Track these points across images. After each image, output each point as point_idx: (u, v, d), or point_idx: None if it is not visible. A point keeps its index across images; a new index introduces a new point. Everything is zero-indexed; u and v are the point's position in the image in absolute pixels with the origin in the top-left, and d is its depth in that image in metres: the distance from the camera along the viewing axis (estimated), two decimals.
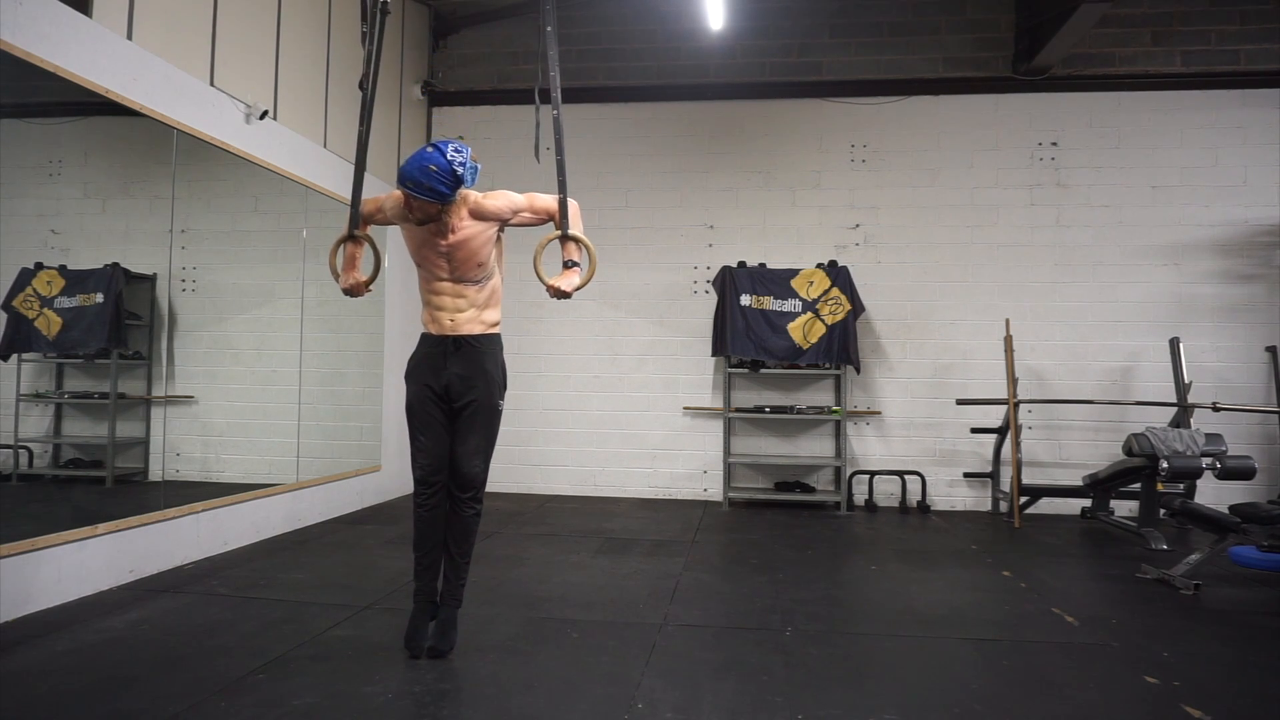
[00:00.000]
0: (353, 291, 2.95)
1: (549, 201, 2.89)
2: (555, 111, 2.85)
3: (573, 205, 2.89)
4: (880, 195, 6.66)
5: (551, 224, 2.91)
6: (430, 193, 2.63)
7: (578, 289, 2.87)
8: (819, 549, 4.85)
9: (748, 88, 6.83)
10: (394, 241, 5.81)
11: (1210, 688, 2.66)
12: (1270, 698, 2.63)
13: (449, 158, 2.64)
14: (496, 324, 2.95)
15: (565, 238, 2.86)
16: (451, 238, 2.77)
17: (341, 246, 2.98)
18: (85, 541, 3.48)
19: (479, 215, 2.78)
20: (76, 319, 3.77)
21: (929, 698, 2.55)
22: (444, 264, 2.81)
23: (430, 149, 2.66)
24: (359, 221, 2.95)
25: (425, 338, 2.92)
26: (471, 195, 2.80)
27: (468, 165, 2.68)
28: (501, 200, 2.82)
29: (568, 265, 2.86)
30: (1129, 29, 6.40)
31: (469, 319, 2.85)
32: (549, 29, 2.86)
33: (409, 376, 2.91)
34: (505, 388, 2.96)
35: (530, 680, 2.62)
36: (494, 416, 2.89)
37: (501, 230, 2.88)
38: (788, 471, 6.64)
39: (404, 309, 6.46)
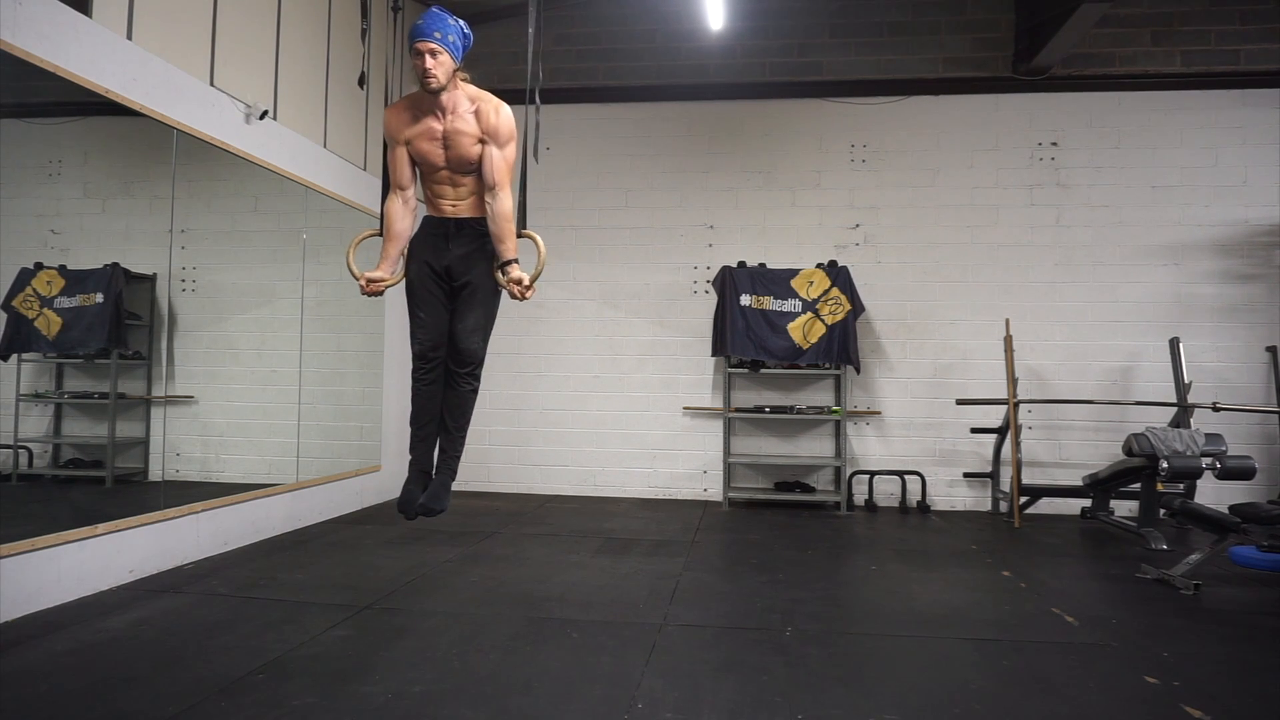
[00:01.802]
0: (373, 289, 2.93)
1: (501, 179, 2.82)
2: (528, 109, 2.92)
3: (509, 202, 2.87)
4: (880, 195, 6.66)
5: (502, 225, 2.87)
6: (450, 44, 2.67)
7: (534, 279, 2.83)
8: (819, 549, 4.85)
9: (748, 88, 6.83)
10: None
11: (1210, 688, 2.66)
12: (1270, 698, 2.63)
13: (457, 18, 2.76)
14: None
15: (512, 261, 2.85)
16: (448, 121, 2.79)
17: (355, 246, 3.00)
18: (85, 541, 3.48)
19: (479, 114, 2.80)
20: (76, 319, 3.77)
21: (929, 698, 2.55)
22: (440, 152, 2.83)
23: (437, 9, 2.74)
24: (406, 178, 2.91)
25: (428, 220, 2.97)
26: (478, 90, 2.83)
27: (470, 35, 2.80)
28: (499, 116, 2.81)
29: (507, 263, 2.84)
30: (1129, 29, 6.40)
31: (471, 205, 2.90)
32: (531, 30, 2.91)
33: (410, 255, 2.95)
34: None
35: (530, 680, 2.62)
36: (492, 296, 2.93)
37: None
38: (788, 471, 6.64)
39: (404, 309, 6.44)
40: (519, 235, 2.90)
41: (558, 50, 6.85)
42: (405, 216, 3.00)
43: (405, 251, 3.02)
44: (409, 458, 2.98)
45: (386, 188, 2.99)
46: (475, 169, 2.86)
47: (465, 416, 2.96)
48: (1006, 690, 2.63)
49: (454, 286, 2.90)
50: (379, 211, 3.07)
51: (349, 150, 5.76)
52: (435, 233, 2.92)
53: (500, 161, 2.85)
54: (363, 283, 2.93)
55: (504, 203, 2.84)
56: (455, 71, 2.77)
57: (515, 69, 7.07)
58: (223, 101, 4.40)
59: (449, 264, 2.88)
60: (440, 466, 2.96)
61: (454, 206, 2.90)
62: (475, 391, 2.96)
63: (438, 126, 2.80)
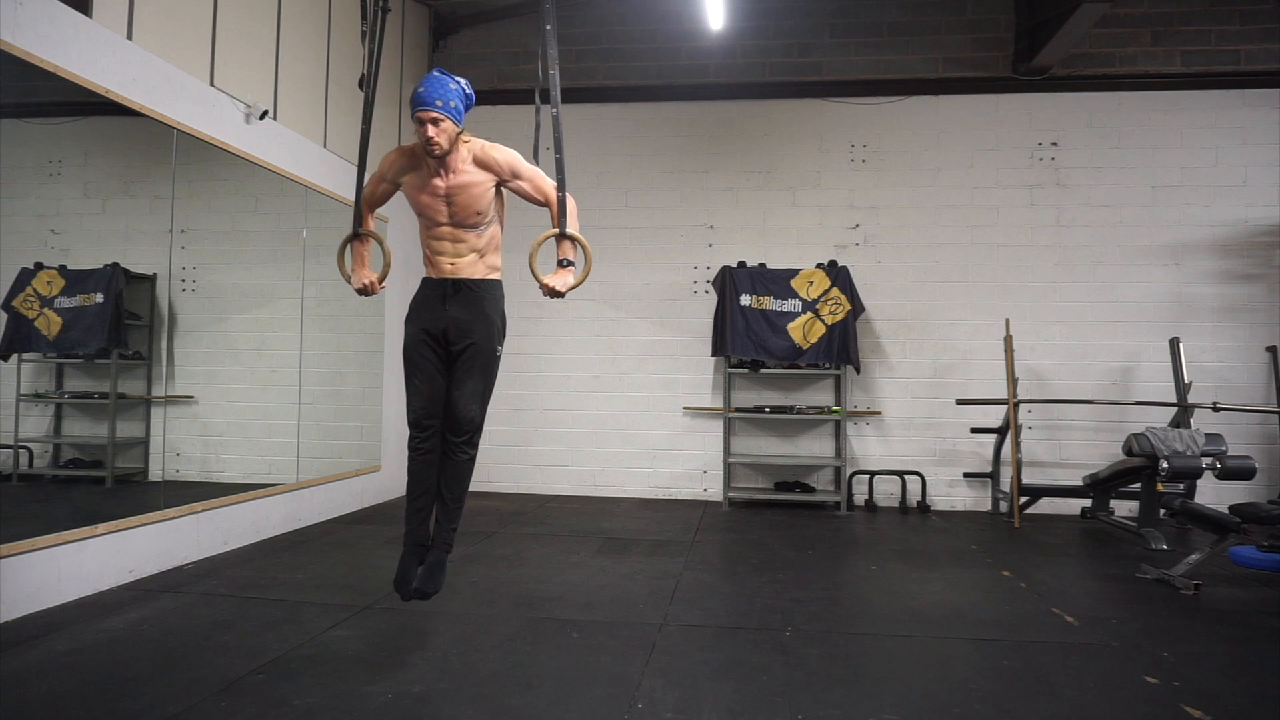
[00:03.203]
0: (366, 291, 2.93)
1: (549, 188, 2.86)
2: (555, 110, 2.84)
3: (571, 203, 2.88)
4: (880, 195, 6.66)
5: (549, 221, 2.90)
6: (453, 109, 2.66)
7: (572, 288, 2.84)
8: (819, 549, 4.85)
9: (748, 88, 6.83)
10: (394, 240, 5.80)
11: (1210, 688, 2.66)
12: (1270, 698, 2.63)
13: (459, 80, 2.73)
14: (498, 269, 2.92)
15: (562, 236, 2.84)
16: (452, 179, 2.75)
17: (349, 247, 2.98)
18: (85, 541, 3.48)
19: (482, 163, 2.77)
20: (76, 319, 3.77)
21: (929, 698, 2.55)
22: (443, 208, 2.79)
23: (439, 73, 2.71)
24: (363, 218, 2.95)
25: (425, 281, 2.90)
26: (477, 141, 2.80)
27: (472, 95, 2.79)
28: (509, 156, 2.81)
29: (562, 264, 2.83)
30: (1129, 29, 6.40)
31: (469, 263, 2.84)
32: (549, 28, 2.84)
33: (408, 319, 2.89)
34: (505, 334, 2.94)
35: (530, 680, 2.62)
36: (492, 361, 2.85)
37: (499, 191, 2.86)
38: (788, 471, 6.64)
39: (404, 309, 6.42)
40: (561, 235, 2.83)
41: (558, 50, 6.83)
42: (364, 247, 2.98)
43: (386, 256, 2.99)
44: (404, 530, 2.87)
45: (358, 198, 2.96)
46: (479, 223, 2.82)
47: (462, 487, 2.87)
48: (1006, 690, 2.63)
49: (452, 351, 2.83)
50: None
51: (349, 150, 5.76)
52: (432, 294, 2.85)
53: (540, 181, 2.85)
54: (355, 285, 2.92)
55: (568, 202, 2.84)
56: (458, 135, 2.74)
57: (515, 69, 7.09)
58: (223, 101, 4.40)
59: (446, 327, 2.81)
60: (437, 541, 2.85)
61: (452, 265, 2.83)
62: (472, 461, 2.88)
63: (440, 184, 2.76)
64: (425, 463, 2.82)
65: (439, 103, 2.64)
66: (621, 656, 2.86)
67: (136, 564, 3.77)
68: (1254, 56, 6.29)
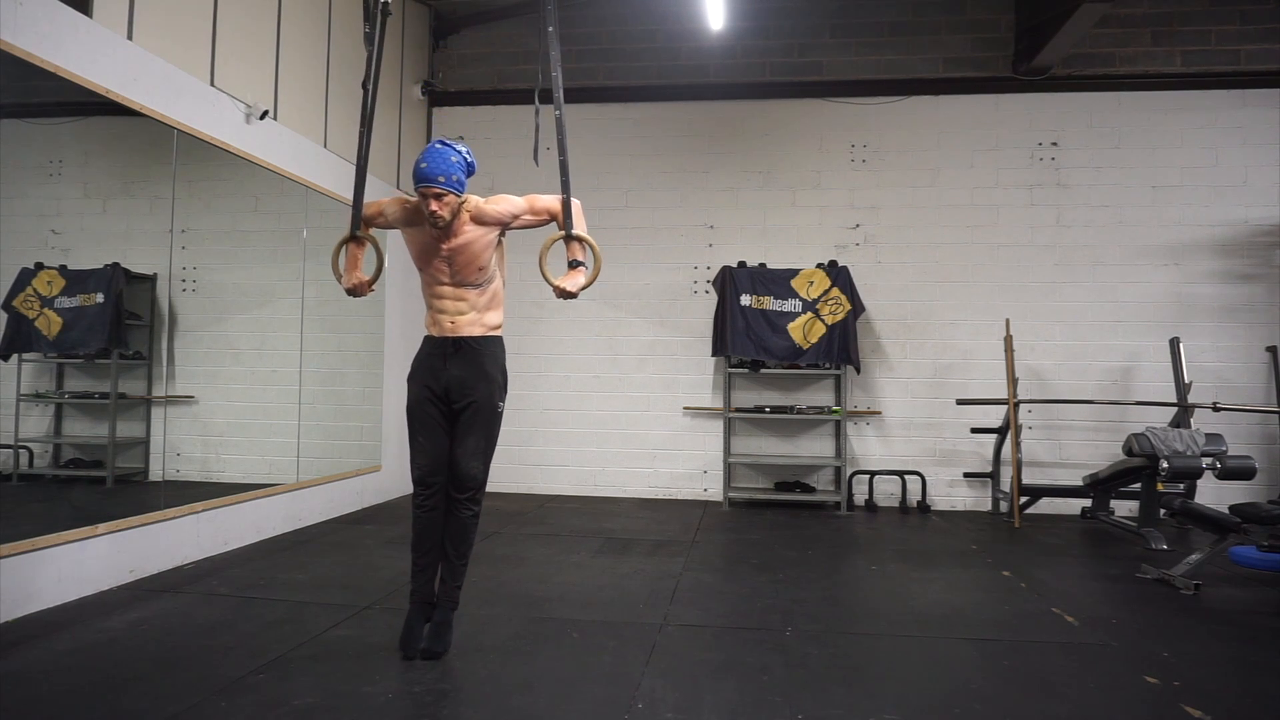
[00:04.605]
0: (356, 291, 2.95)
1: (549, 202, 2.89)
2: (558, 111, 2.85)
3: (575, 205, 2.89)
4: (880, 195, 6.66)
5: (555, 224, 2.91)
6: (455, 183, 2.67)
7: (583, 289, 2.87)
8: (819, 549, 4.85)
9: (748, 88, 6.83)
10: (395, 241, 5.80)
11: (1210, 688, 2.66)
12: (1270, 698, 2.63)
13: (460, 150, 2.74)
14: (498, 326, 2.95)
15: (569, 238, 2.86)
16: (453, 241, 2.77)
17: (344, 248, 2.99)
18: (85, 541, 3.48)
19: (479, 220, 2.79)
20: (77, 319, 3.77)
21: (929, 698, 2.55)
22: (445, 268, 2.82)
23: (440, 145, 2.71)
24: (360, 223, 2.96)
25: (427, 340, 2.94)
26: (472, 199, 2.81)
27: (474, 163, 2.80)
28: (502, 205, 2.82)
29: (573, 265, 2.86)
30: (1129, 29, 6.40)
31: (469, 321, 2.86)
32: (550, 29, 2.85)
33: (410, 378, 2.92)
34: (506, 390, 2.96)
35: (530, 680, 2.62)
36: (494, 418, 2.89)
37: (503, 235, 2.89)
38: (788, 471, 6.64)
39: (404, 309, 6.47)
40: (569, 236, 2.85)
41: (559, 50, 6.84)
42: (358, 249, 3.00)
43: (379, 258, 3.01)
44: (410, 587, 2.90)
45: (384, 190, 2.98)
46: (480, 281, 2.84)
47: (467, 544, 2.89)
48: (1006, 690, 2.63)
49: (454, 409, 2.85)
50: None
51: (349, 150, 5.75)
52: (433, 352, 2.87)
53: (536, 203, 2.86)
54: (346, 285, 2.94)
55: (573, 204, 2.87)
56: (461, 204, 2.75)
57: (515, 69, 7.09)
58: (223, 101, 4.40)
59: (448, 385, 2.83)
60: (442, 599, 2.88)
61: (453, 323, 2.84)
62: (477, 517, 2.90)
63: (444, 246, 2.78)
64: (430, 520, 2.85)
65: (441, 179, 2.65)
66: (621, 656, 2.86)
67: (136, 564, 3.77)
68: (1254, 56, 6.29)
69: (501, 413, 2.92)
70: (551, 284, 2.87)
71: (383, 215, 2.94)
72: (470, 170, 2.77)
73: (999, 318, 6.30)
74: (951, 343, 6.53)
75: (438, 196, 2.66)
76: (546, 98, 2.94)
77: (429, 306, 2.91)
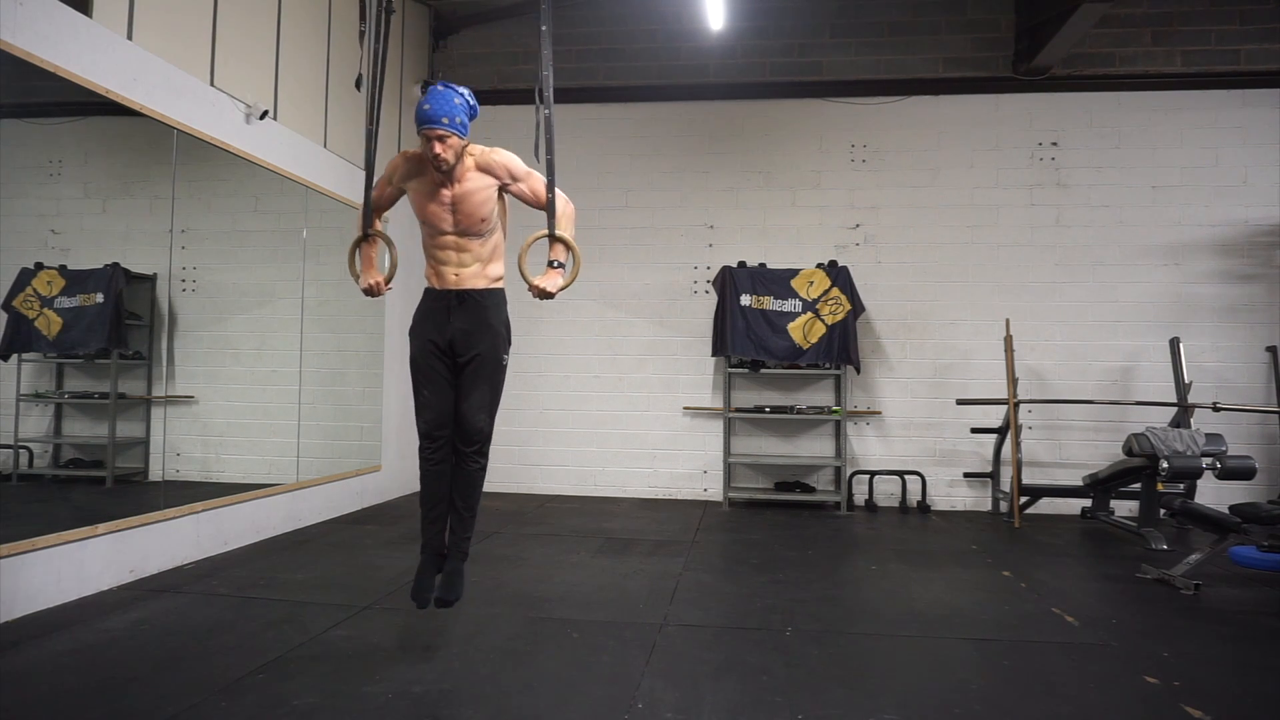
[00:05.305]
0: (372, 291, 2.95)
1: (542, 190, 2.88)
2: (546, 111, 2.86)
3: (569, 207, 2.90)
4: (880, 195, 6.66)
5: (560, 223, 2.90)
6: (459, 125, 2.67)
7: (561, 289, 2.87)
8: (819, 549, 4.85)
9: (748, 88, 6.83)
10: (394, 237, 5.79)
11: (1210, 688, 2.66)
12: (1270, 698, 2.64)
13: (462, 92, 2.74)
14: (500, 278, 2.95)
15: (552, 239, 2.86)
16: (456, 188, 2.77)
17: (357, 249, 3.00)
18: (85, 541, 3.48)
19: (485, 168, 2.80)
20: (76, 319, 3.77)
21: (929, 698, 2.55)
22: (448, 217, 2.81)
23: (443, 87, 2.71)
24: (371, 219, 2.97)
25: (429, 292, 2.92)
26: (477, 148, 2.82)
27: (476, 106, 2.80)
28: (508, 160, 2.83)
29: (552, 265, 2.86)
30: (1129, 29, 6.40)
31: (473, 273, 2.86)
32: (544, 28, 2.87)
33: (412, 332, 2.91)
34: (510, 342, 2.97)
35: (530, 680, 2.62)
36: (499, 371, 2.89)
37: (502, 192, 2.89)
38: (788, 471, 6.64)
39: (404, 309, 6.45)
40: (553, 236, 2.86)
41: (558, 50, 6.75)
42: (372, 248, 3.01)
43: (392, 258, 3.01)
44: (421, 541, 2.91)
45: (367, 199, 2.97)
46: (483, 231, 2.84)
47: (475, 496, 2.90)
48: (1006, 690, 2.63)
49: (458, 362, 2.85)
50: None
51: (349, 150, 5.76)
52: (436, 306, 2.87)
53: (535, 182, 2.87)
54: (362, 286, 2.94)
55: (562, 204, 2.88)
56: (464, 148, 2.76)
57: (515, 69, 7.09)
58: (223, 101, 4.40)
59: (452, 338, 2.83)
60: (453, 550, 2.90)
61: (457, 275, 2.84)
62: (483, 470, 2.90)
63: (446, 193, 2.78)
64: (438, 473, 2.85)
65: (445, 120, 2.65)
66: (621, 656, 2.86)
67: (136, 564, 3.77)
68: (1254, 56, 6.29)
69: (506, 365, 2.92)
70: (529, 282, 2.86)
71: (389, 185, 2.93)
72: (473, 113, 2.76)
73: (999, 318, 6.30)
74: (951, 343, 6.53)
75: (441, 139, 2.66)
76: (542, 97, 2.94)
77: (430, 258, 2.89)
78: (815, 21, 6.77)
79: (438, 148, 2.67)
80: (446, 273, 2.85)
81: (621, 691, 2.54)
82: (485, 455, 2.90)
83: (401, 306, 6.42)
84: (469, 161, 2.78)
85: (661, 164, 6.90)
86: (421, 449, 2.86)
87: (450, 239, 2.83)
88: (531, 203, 2.91)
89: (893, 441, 6.55)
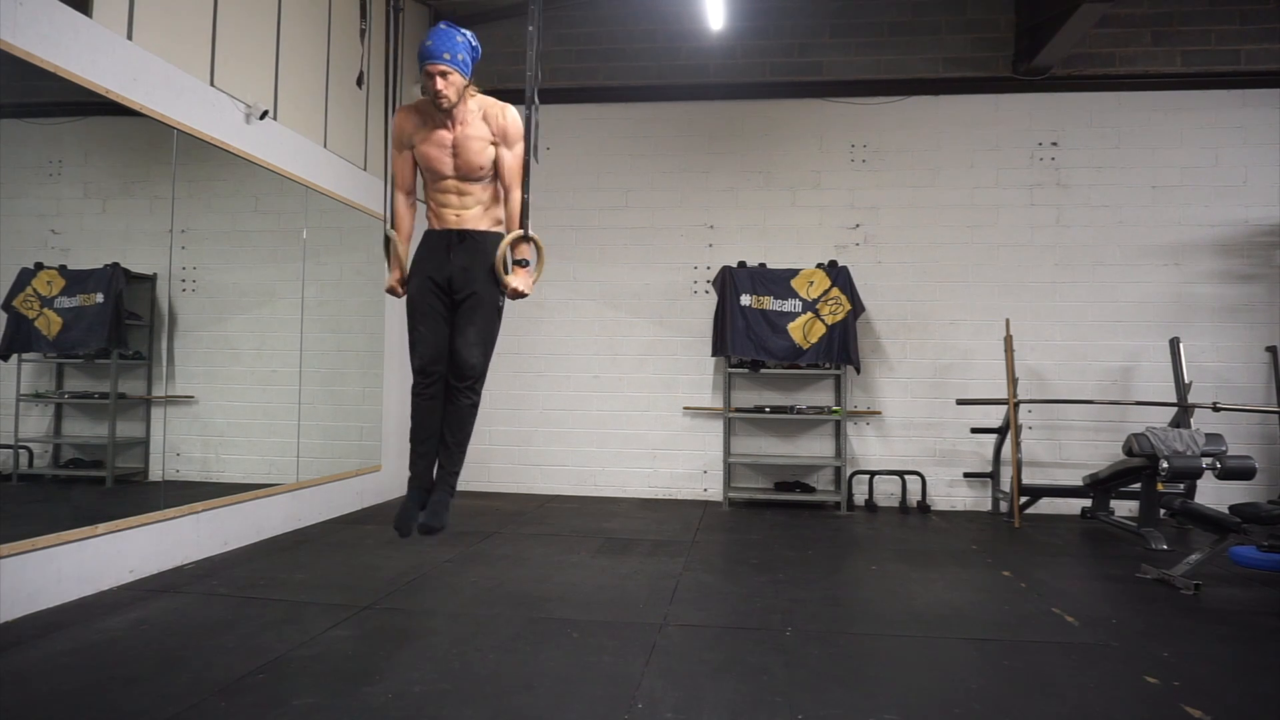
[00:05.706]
0: (393, 292, 3.00)
1: (518, 172, 2.88)
2: (529, 109, 2.89)
3: (539, 247, 2.92)
4: (880, 195, 6.66)
5: (516, 223, 2.92)
6: (460, 63, 2.69)
7: (530, 287, 2.90)
8: (819, 549, 4.85)
9: (748, 88, 6.82)
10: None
11: (1210, 688, 2.66)
12: (1270, 698, 2.64)
13: (465, 33, 2.76)
14: (501, 222, 2.96)
15: (525, 239, 2.87)
16: (458, 130, 2.80)
17: (390, 246, 3.01)
18: (85, 541, 3.48)
19: (487, 117, 2.82)
20: (76, 319, 3.77)
21: (929, 698, 2.55)
22: (448, 160, 2.82)
23: (445, 26, 2.73)
24: (398, 210, 2.99)
25: (429, 234, 2.93)
26: (486, 98, 2.85)
27: (478, 48, 2.82)
28: (510, 120, 2.85)
29: (520, 264, 2.88)
30: (1129, 29, 6.40)
31: (475, 215, 2.88)
32: (531, 28, 2.90)
33: (412, 271, 2.93)
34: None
35: (530, 680, 2.62)
36: (494, 312, 2.90)
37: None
38: (788, 471, 6.64)
39: (404, 310, 6.45)
40: (525, 237, 2.88)
41: (558, 50, 6.86)
42: (409, 215, 3.03)
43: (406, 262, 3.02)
44: (408, 474, 2.93)
45: (388, 188, 3.00)
46: (483, 176, 2.86)
47: (465, 432, 2.91)
48: (1006, 690, 2.63)
49: (455, 299, 2.87)
50: (380, 211, 3.08)
51: (349, 150, 5.76)
52: (437, 245, 2.89)
53: (513, 161, 2.88)
54: (385, 286, 3.01)
55: (514, 203, 2.90)
56: (466, 87, 2.77)
57: (515, 69, 7.07)
58: (223, 101, 4.40)
59: (451, 275, 2.85)
60: (439, 483, 2.91)
61: (458, 216, 2.87)
62: (475, 406, 2.92)
63: (447, 135, 2.80)
64: (429, 408, 2.87)
65: (446, 55, 2.67)
66: (621, 656, 2.86)
67: (136, 564, 3.77)
68: (1254, 56, 6.29)
69: (502, 308, 2.93)
70: (504, 283, 2.87)
71: (404, 149, 2.91)
72: (475, 54, 2.77)
73: (999, 318, 6.30)
74: (951, 343, 6.53)
75: (443, 75, 2.68)
76: (543, 97, 2.96)
77: (432, 202, 2.91)
78: (815, 21, 6.77)
79: (439, 83, 2.68)
80: (447, 214, 2.88)
81: (621, 691, 2.54)
82: (478, 392, 2.91)
83: (402, 307, 6.41)
84: (472, 104, 2.81)
85: (661, 164, 6.90)
86: (414, 384, 2.88)
87: (451, 183, 2.85)
88: (499, 173, 2.89)
89: (893, 441, 6.55)
